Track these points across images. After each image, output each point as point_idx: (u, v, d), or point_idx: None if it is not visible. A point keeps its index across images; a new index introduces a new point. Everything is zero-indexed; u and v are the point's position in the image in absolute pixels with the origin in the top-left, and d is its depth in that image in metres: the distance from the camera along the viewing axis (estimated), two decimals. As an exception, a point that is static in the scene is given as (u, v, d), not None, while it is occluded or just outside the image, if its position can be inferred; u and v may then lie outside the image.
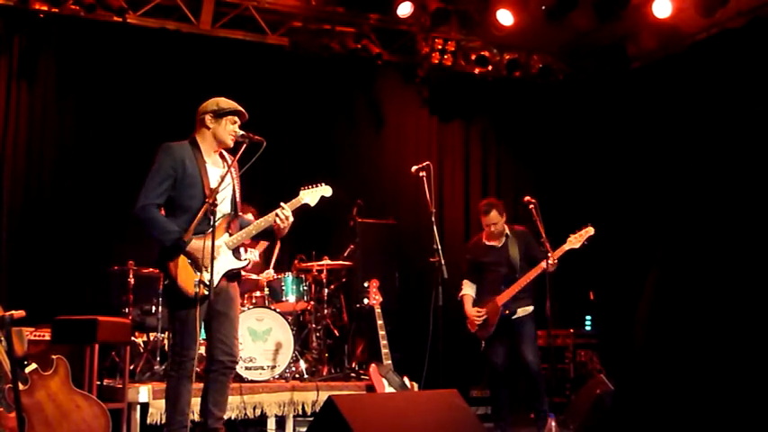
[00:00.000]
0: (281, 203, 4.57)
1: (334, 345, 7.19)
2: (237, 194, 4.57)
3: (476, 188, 9.04)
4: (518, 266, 6.23)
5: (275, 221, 4.52)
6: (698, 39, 7.83)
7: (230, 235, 4.50)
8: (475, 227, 8.95)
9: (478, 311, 6.27)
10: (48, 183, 7.26)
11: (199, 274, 4.29)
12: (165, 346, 6.34)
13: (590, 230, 6.11)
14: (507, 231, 6.39)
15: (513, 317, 6.19)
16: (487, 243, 6.41)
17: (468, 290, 6.44)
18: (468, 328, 6.35)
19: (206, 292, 4.23)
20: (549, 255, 5.95)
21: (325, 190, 4.80)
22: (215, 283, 4.31)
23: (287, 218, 4.53)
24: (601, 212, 8.34)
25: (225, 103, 4.54)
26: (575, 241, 6.08)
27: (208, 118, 4.51)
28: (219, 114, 4.50)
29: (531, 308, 6.21)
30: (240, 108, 4.55)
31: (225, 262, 4.46)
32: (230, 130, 4.50)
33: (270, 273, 6.85)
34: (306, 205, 4.71)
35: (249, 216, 5.88)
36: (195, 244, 4.28)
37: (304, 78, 8.26)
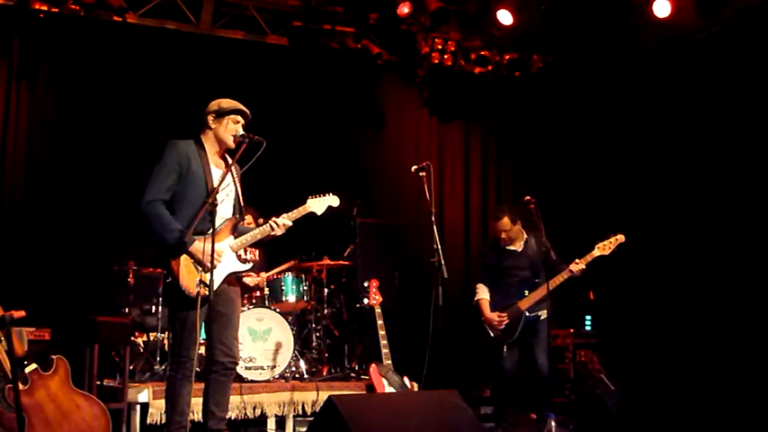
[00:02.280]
0: (284, 215, 4.60)
1: (334, 345, 7.19)
2: (240, 197, 4.59)
3: (476, 188, 9.03)
4: (539, 270, 6.21)
5: (272, 230, 4.55)
6: (698, 38, 7.82)
7: (234, 238, 4.52)
8: (475, 227, 8.97)
9: (500, 316, 6.23)
10: (47, 183, 7.26)
11: (200, 274, 4.29)
12: (165, 346, 6.33)
13: (620, 238, 6.06)
14: (526, 235, 6.38)
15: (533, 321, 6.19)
16: (506, 248, 6.37)
17: (484, 294, 6.38)
18: (489, 332, 6.29)
19: (205, 292, 4.24)
20: (577, 262, 5.99)
21: (333, 200, 4.84)
22: (216, 284, 4.33)
23: (283, 225, 4.58)
24: (601, 212, 8.35)
25: (227, 103, 4.55)
26: (604, 249, 6.04)
27: (210, 118, 4.54)
28: (221, 114, 4.52)
29: (545, 311, 6.15)
30: (242, 107, 4.56)
31: (228, 264, 4.47)
32: (231, 129, 4.51)
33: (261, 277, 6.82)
34: (312, 214, 4.74)
35: (248, 217, 5.90)
36: (198, 245, 4.28)
37: (304, 78, 8.25)
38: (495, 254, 6.45)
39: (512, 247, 6.37)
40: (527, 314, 6.13)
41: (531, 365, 6.16)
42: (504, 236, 6.31)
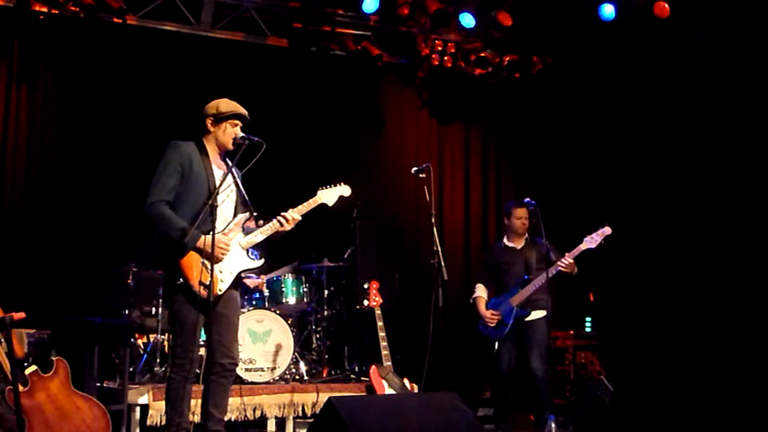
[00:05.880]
0: (291, 210, 4.58)
1: (334, 346, 7.19)
2: (245, 196, 4.58)
3: (476, 190, 9.03)
4: (533, 268, 6.25)
5: (281, 225, 4.54)
6: (698, 39, 7.82)
7: (245, 235, 4.52)
8: (475, 229, 8.97)
9: (493, 313, 6.28)
10: (48, 184, 7.25)
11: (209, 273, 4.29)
12: (165, 347, 6.33)
13: (606, 230, 6.08)
14: (528, 237, 6.43)
15: (527, 318, 6.20)
16: (507, 244, 6.46)
17: (482, 292, 6.46)
18: (481, 329, 6.36)
19: (218, 292, 4.30)
20: (566, 256, 6.01)
21: (344, 189, 4.84)
22: (228, 283, 4.37)
23: (293, 219, 4.56)
24: (601, 213, 8.33)
25: (225, 106, 4.54)
26: (591, 241, 6.07)
27: (209, 122, 4.54)
28: (219, 119, 4.51)
29: (544, 312, 6.16)
30: (241, 110, 4.55)
31: (239, 262, 4.48)
32: (230, 133, 4.51)
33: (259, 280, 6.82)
34: (324, 205, 4.73)
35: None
36: (205, 239, 4.29)
37: (304, 80, 8.25)
38: (494, 252, 6.56)
39: (512, 244, 6.44)
40: (517, 309, 6.16)
41: (527, 368, 6.19)
42: (525, 223, 6.35)
